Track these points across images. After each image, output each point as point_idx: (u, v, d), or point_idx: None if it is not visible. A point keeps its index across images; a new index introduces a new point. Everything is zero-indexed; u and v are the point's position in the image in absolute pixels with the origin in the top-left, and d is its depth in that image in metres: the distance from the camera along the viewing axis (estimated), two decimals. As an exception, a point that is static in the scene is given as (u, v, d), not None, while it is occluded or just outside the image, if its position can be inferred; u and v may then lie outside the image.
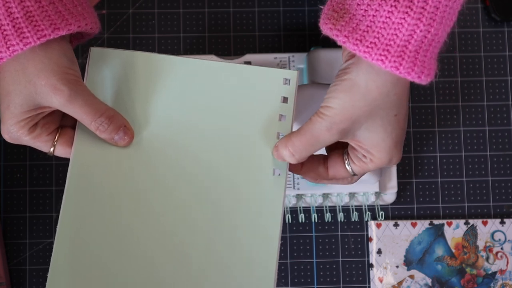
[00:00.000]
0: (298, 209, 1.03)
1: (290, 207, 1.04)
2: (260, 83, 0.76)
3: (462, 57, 1.07)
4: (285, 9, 1.08)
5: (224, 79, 0.75)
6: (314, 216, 1.04)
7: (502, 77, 1.07)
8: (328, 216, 1.03)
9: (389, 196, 1.04)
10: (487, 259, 1.03)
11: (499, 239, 1.04)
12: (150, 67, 0.73)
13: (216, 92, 0.75)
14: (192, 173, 0.73)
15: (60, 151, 0.72)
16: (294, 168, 0.78)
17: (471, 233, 1.04)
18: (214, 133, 0.74)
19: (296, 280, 1.04)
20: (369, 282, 1.04)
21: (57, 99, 0.67)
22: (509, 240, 1.04)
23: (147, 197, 0.71)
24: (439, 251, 1.03)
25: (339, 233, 1.04)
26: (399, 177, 1.05)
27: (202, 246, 0.72)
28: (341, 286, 1.04)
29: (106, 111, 0.70)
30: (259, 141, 0.75)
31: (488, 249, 1.04)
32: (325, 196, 1.03)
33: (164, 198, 0.71)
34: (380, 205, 1.04)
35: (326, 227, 1.04)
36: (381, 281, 1.03)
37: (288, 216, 1.03)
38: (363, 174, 0.80)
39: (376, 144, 0.75)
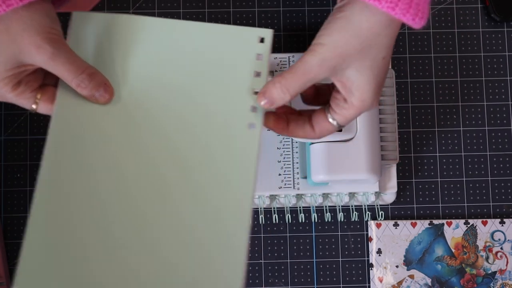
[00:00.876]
0: (298, 209, 1.03)
1: (290, 207, 1.04)
2: (236, 42, 0.77)
3: (461, 57, 1.07)
4: (285, 9, 1.08)
5: (200, 38, 0.77)
6: (314, 216, 1.04)
7: (501, 77, 1.07)
8: (328, 216, 1.03)
9: (389, 196, 1.04)
10: (487, 259, 1.04)
11: (499, 239, 1.04)
12: (129, 28, 0.75)
13: (192, 51, 0.77)
14: (168, 129, 0.74)
15: (42, 108, 0.74)
16: (281, 128, 0.80)
17: (471, 233, 1.04)
18: (190, 90, 0.76)
19: (296, 280, 1.04)
20: (369, 282, 1.04)
21: (40, 57, 0.69)
22: (508, 240, 1.04)
23: (124, 153, 0.73)
24: (439, 251, 1.03)
25: (339, 233, 1.04)
26: (399, 177, 1.05)
27: (175, 201, 0.74)
28: (341, 286, 1.04)
29: (87, 68, 0.72)
30: (234, 96, 0.77)
31: (487, 249, 1.04)
32: (325, 196, 1.03)
33: (141, 153, 0.74)
34: (380, 205, 1.04)
35: (326, 227, 1.04)
36: (381, 281, 1.03)
37: (288, 216, 1.03)
38: (346, 124, 0.80)
39: (361, 86, 0.76)
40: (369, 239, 1.04)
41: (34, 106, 0.74)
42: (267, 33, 0.79)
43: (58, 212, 0.72)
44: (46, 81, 0.75)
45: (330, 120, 0.79)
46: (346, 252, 1.04)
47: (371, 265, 1.03)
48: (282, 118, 0.81)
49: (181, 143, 0.75)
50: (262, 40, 0.78)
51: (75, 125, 0.73)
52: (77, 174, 0.73)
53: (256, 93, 0.77)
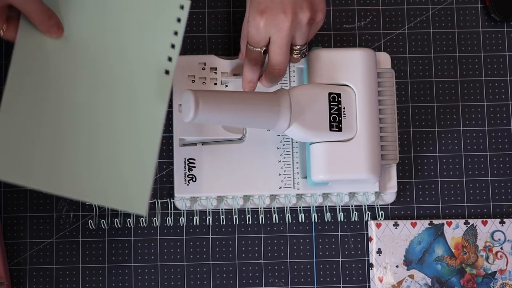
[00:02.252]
0: (298, 209, 1.03)
1: (290, 207, 1.04)
2: (160, 4, 0.97)
3: (461, 57, 1.08)
4: (285, 9, 1.08)
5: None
6: (314, 216, 1.04)
7: (501, 77, 1.07)
8: (328, 216, 1.03)
9: (389, 196, 1.04)
10: (487, 258, 1.04)
11: (499, 239, 1.04)
12: None
13: (125, 5, 0.97)
14: (100, 62, 0.96)
15: (7, 35, 0.94)
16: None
17: (471, 233, 1.04)
18: (122, 36, 0.96)
19: (296, 280, 1.04)
20: (369, 282, 1.04)
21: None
22: (508, 240, 1.04)
23: (68, 71, 0.95)
24: (439, 251, 1.03)
25: (339, 233, 1.04)
26: (399, 177, 1.05)
27: (103, 114, 0.94)
28: (341, 286, 1.04)
29: (48, 11, 0.93)
30: (157, 47, 0.97)
31: (487, 249, 1.04)
32: (325, 196, 1.03)
33: (80, 72, 0.96)
34: (380, 205, 1.04)
35: (326, 227, 1.04)
36: (381, 280, 1.03)
37: (288, 216, 1.03)
38: (253, 43, 0.94)
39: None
40: (369, 239, 1.04)
41: (1, 32, 0.93)
42: (187, 3, 0.97)
43: (22, 111, 0.92)
44: (10, 13, 0.94)
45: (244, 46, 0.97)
46: (346, 252, 1.04)
47: (371, 265, 1.03)
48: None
49: (110, 72, 0.95)
50: (182, 7, 0.96)
51: (33, 50, 0.94)
52: (35, 84, 0.94)
53: (173, 46, 0.96)
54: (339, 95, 0.97)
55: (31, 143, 0.92)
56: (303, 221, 1.04)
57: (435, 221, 1.04)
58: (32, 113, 0.92)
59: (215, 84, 1.03)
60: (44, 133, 0.92)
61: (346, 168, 0.96)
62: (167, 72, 0.96)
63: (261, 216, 1.03)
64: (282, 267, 1.04)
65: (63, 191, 0.91)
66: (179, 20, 0.97)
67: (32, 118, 0.92)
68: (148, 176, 0.93)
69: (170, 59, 0.96)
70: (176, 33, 0.97)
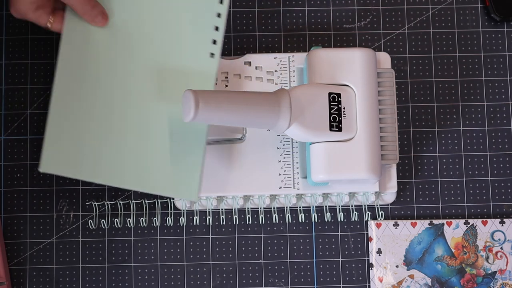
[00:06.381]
0: (298, 209, 1.03)
1: (290, 207, 1.04)
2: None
3: (461, 57, 1.08)
4: (285, 9, 1.08)
5: None
6: (314, 216, 1.04)
7: (501, 77, 1.07)
8: (328, 216, 1.03)
9: (389, 196, 1.04)
10: (487, 258, 1.04)
11: (499, 239, 1.04)
12: None
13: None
14: (146, 49, 0.98)
15: (54, 26, 0.97)
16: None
17: (471, 232, 1.04)
18: (164, 25, 0.99)
19: (296, 280, 1.04)
20: (369, 282, 1.04)
21: None
22: (508, 240, 1.04)
23: (118, 62, 0.98)
24: (439, 250, 1.03)
25: (339, 233, 1.04)
26: (399, 177, 1.05)
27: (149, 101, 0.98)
28: (341, 286, 1.04)
29: (91, 0, 0.96)
30: (200, 36, 0.99)
31: (488, 248, 1.04)
32: (325, 196, 1.03)
33: (127, 64, 0.98)
34: (380, 205, 1.04)
35: (326, 227, 1.04)
36: (381, 281, 1.03)
37: (288, 216, 1.03)
38: None
39: None
40: (369, 239, 1.04)
41: (49, 25, 0.97)
42: None
43: (72, 103, 0.96)
44: (56, 5, 0.98)
45: None
46: (346, 252, 1.04)
47: (371, 265, 1.03)
48: None
49: (157, 58, 0.98)
50: (221, 2, 0.99)
51: (80, 39, 0.97)
52: (83, 73, 0.97)
53: (217, 29, 0.98)
54: (339, 95, 0.97)
55: (84, 136, 0.95)
56: (303, 221, 1.04)
57: (435, 221, 1.04)
58: (83, 105, 0.95)
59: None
60: (96, 124, 0.95)
61: (346, 168, 0.96)
62: (212, 54, 0.98)
63: (261, 216, 1.03)
64: (282, 267, 1.04)
65: (120, 183, 0.96)
66: (221, 1, 0.99)
67: (83, 109, 0.95)
68: (198, 163, 0.97)
69: (214, 41, 0.98)
70: (219, 15, 0.98)
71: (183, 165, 0.97)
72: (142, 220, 1.03)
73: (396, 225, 1.04)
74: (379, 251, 1.03)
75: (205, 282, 1.03)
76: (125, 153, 0.96)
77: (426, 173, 1.06)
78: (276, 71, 1.04)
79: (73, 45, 0.97)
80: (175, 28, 0.99)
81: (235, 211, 1.03)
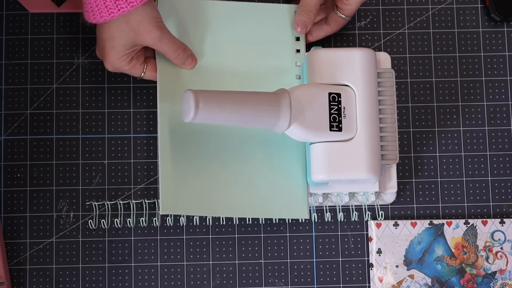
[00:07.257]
0: (298, 209, 1.03)
1: (290, 207, 1.04)
2: (280, 18, 1.05)
3: (461, 57, 1.08)
4: (285, 9, 1.08)
5: (256, 15, 1.05)
6: (314, 216, 1.04)
7: (501, 77, 1.07)
8: (328, 216, 1.03)
9: (389, 196, 1.04)
10: (487, 258, 1.04)
11: (499, 239, 1.04)
12: (202, 11, 1.04)
13: (250, 26, 1.04)
14: (233, 81, 1.02)
15: (148, 75, 1.01)
16: (308, 37, 1.05)
17: (471, 233, 1.04)
18: (250, 56, 1.03)
19: (296, 280, 1.04)
20: (369, 282, 1.04)
21: (152, 40, 0.97)
22: (508, 240, 1.04)
23: None
24: (439, 250, 1.03)
25: (339, 233, 1.04)
26: (399, 177, 1.05)
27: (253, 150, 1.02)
28: (341, 286, 1.04)
29: (181, 45, 1.00)
30: (282, 57, 1.04)
31: (488, 248, 1.04)
32: (325, 196, 1.03)
33: None
34: (380, 205, 1.04)
35: (326, 227, 1.04)
36: (381, 280, 1.03)
37: (288, 216, 1.03)
38: (352, 14, 1.03)
39: None
40: (369, 239, 1.04)
41: (142, 74, 1.01)
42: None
43: (178, 147, 1.00)
44: (146, 54, 1.02)
45: (340, 15, 1.03)
46: (346, 252, 1.04)
47: (371, 265, 1.03)
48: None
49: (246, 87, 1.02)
50: (297, 39, 1.04)
51: (173, 84, 1.01)
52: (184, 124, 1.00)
53: (297, 51, 1.04)
54: (339, 95, 0.97)
55: (194, 176, 0.99)
56: (303, 221, 1.04)
57: (435, 221, 1.04)
58: (189, 150, 0.99)
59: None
60: (207, 166, 1.00)
61: (346, 168, 0.96)
62: (297, 64, 1.04)
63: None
64: (282, 267, 1.04)
65: (239, 214, 1.01)
66: (297, 38, 1.04)
67: (191, 155, 0.99)
68: (303, 182, 1.01)
69: (297, 51, 1.04)
70: (298, 51, 1.04)
71: (289, 187, 1.01)
72: (142, 220, 1.03)
73: (396, 225, 1.04)
74: (379, 251, 1.03)
75: (205, 282, 1.03)
76: (236, 186, 1.00)
77: (426, 173, 1.06)
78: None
79: (168, 90, 1.00)
80: (259, 66, 1.03)
81: (235, 211, 1.03)
